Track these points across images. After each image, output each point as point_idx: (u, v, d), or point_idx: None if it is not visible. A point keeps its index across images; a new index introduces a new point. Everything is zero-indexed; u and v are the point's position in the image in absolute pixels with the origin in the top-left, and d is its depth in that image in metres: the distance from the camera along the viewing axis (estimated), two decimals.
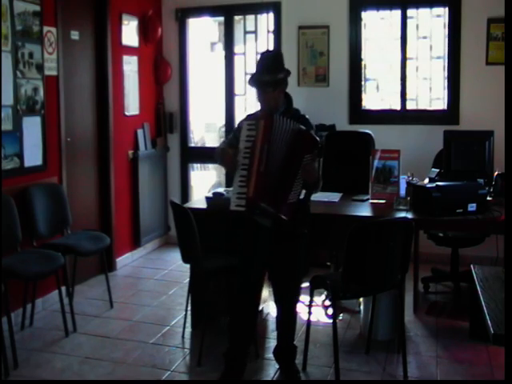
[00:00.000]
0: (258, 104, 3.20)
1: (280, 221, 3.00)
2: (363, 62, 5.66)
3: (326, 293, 4.29)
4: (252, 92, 5.08)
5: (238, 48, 6.03)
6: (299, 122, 3.05)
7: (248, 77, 3.24)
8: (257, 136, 3.02)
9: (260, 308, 3.60)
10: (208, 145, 6.75)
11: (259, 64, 3.14)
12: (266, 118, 3.03)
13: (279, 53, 3.31)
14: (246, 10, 5.95)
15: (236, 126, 3.34)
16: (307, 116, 3.24)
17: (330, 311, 4.12)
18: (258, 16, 5.98)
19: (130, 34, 5.53)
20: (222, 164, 3.32)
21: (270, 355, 3.48)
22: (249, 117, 3.22)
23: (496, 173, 3.98)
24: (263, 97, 3.11)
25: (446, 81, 5.44)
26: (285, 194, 2.97)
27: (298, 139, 2.99)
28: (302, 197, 3.10)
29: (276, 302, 3.35)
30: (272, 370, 3.44)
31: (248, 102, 6.04)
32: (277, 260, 3.19)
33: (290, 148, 2.99)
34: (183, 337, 3.89)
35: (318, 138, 3.04)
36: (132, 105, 5.61)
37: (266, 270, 3.30)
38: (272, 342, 3.73)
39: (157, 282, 5.04)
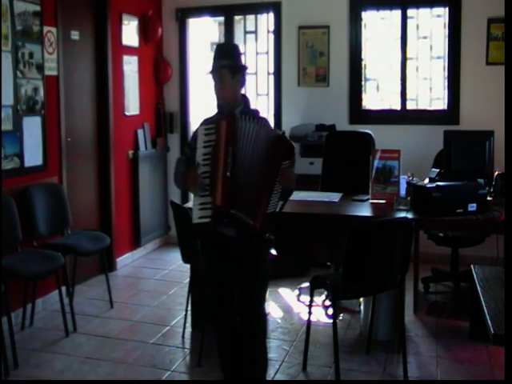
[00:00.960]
0: (215, 97, 2.98)
1: (250, 230, 2.81)
2: (363, 62, 5.66)
3: (326, 293, 4.29)
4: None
5: None
6: (262, 123, 2.88)
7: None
8: (218, 139, 2.79)
9: None
10: None
11: (216, 52, 2.97)
12: (228, 118, 2.83)
13: (235, 44, 3.26)
14: (246, 9, 5.95)
15: (192, 135, 3.04)
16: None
17: (330, 311, 4.12)
18: (258, 16, 5.99)
19: (130, 33, 5.53)
20: (186, 188, 2.99)
21: (270, 355, 3.47)
22: (205, 121, 2.93)
23: (496, 173, 3.98)
24: (221, 85, 2.89)
25: (446, 81, 5.44)
26: (264, 202, 2.77)
27: (276, 144, 2.82)
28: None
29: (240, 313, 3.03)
30: (272, 370, 3.42)
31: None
32: (244, 270, 2.93)
33: (267, 153, 2.81)
34: (183, 337, 3.89)
35: (292, 143, 2.95)
36: (132, 105, 5.61)
37: (235, 280, 2.98)
38: (272, 342, 3.74)
39: (157, 282, 5.04)
